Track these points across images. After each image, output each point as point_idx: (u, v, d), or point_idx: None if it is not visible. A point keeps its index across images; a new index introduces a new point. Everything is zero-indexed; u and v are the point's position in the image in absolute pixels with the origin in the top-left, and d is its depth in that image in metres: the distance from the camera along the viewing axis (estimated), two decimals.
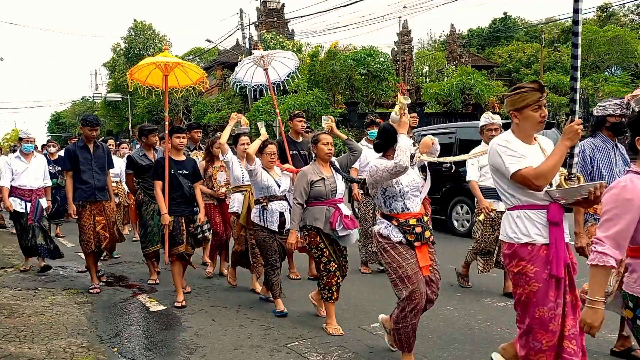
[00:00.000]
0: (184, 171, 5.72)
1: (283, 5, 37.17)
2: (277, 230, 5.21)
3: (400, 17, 32.32)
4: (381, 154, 3.91)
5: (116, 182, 9.43)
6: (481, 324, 4.83)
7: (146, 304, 5.77)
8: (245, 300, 5.75)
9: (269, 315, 5.18)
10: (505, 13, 49.74)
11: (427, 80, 34.17)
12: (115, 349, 4.44)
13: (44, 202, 7.37)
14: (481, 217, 5.70)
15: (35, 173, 7.35)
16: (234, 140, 5.98)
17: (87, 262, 6.44)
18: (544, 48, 34.92)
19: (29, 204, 7.18)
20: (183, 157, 5.86)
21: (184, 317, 5.19)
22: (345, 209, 4.68)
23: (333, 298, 4.67)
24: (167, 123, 5.92)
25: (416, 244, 3.72)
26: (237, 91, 7.80)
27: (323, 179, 4.66)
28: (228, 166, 6.17)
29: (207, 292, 6.18)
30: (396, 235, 3.72)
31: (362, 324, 4.79)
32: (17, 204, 7.16)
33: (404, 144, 3.58)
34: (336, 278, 4.64)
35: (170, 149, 5.76)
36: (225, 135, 5.82)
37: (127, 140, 11.41)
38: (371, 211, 6.61)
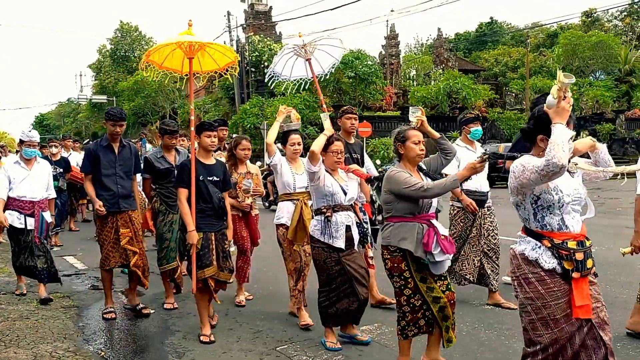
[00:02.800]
0: (214, 177, 4.70)
1: (271, 7, 37.20)
2: (343, 248, 4.27)
3: (387, 21, 32.49)
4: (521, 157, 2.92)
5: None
6: (469, 326, 4.85)
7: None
8: (234, 304, 5.73)
9: (258, 319, 5.16)
10: (491, 17, 50.32)
11: (415, 83, 34.35)
12: (103, 354, 4.40)
13: (48, 217, 6.19)
14: (627, 250, 4.40)
15: (37, 182, 6.07)
16: (282, 139, 5.11)
17: (102, 279, 5.52)
18: (530, 52, 35.26)
19: (30, 219, 5.95)
20: (213, 161, 4.83)
21: (171, 321, 5.16)
22: (441, 227, 3.70)
23: (412, 335, 3.76)
24: (192, 118, 4.99)
25: (574, 275, 2.75)
26: (270, 86, 6.17)
27: None
28: (275, 170, 5.08)
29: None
30: (548, 261, 2.78)
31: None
32: (14, 218, 5.88)
33: (560, 136, 2.63)
34: (422, 311, 3.70)
35: (197, 150, 4.81)
36: (272, 134, 5.00)
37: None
38: (475, 228, 5.50)
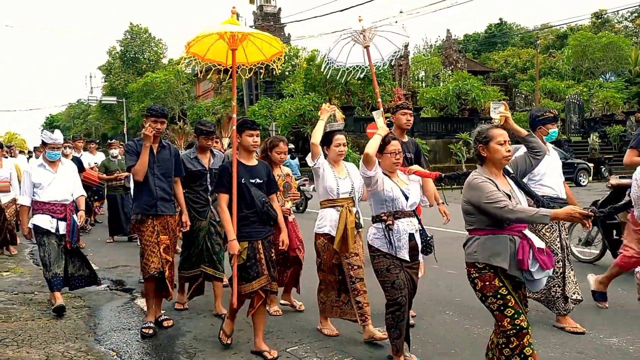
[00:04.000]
0: (257, 180, 4.32)
1: (279, 9, 37.27)
2: (408, 259, 3.93)
3: (396, 22, 32.43)
4: None
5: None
6: (480, 328, 4.82)
7: (144, 308, 5.73)
8: (244, 305, 5.73)
9: (269, 320, 5.15)
10: (500, 19, 50.17)
11: (423, 85, 34.31)
12: (114, 354, 4.42)
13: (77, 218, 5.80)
14: None
15: (65, 184, 5.69)
16: (324, 139, 4.69)
17: (145, 290, 5.12)
18: (540, 54, 35.11)
19: (62, 223, 5.57)
20: (254, 162, 4.44)
21: (182, 322, 5.17)
22: (536, 238, 3.22)
23: None
24: (234, 116, 4.55)
25: None
26: (328, 74, 5.70)
27: (509, 195, 3.23)
28: (317, 174, 4.63)
29: (205, 297, 6.14)
30: None
31: (361, 329, 4.78)
32: (46, 221, 5.50)
33: None
34: (528, 336, 3.15)
35: (238, 151, 4.41)
36: (318, 134, 4.55)
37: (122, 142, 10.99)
38: (558, 240, 4.83)
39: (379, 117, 4.45)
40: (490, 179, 3.22)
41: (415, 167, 4.25)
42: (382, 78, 26.12)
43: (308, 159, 4.59)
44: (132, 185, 5.97)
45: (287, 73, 29.62)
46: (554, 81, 33.10)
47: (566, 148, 25.56)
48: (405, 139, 5.15)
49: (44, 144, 5.78)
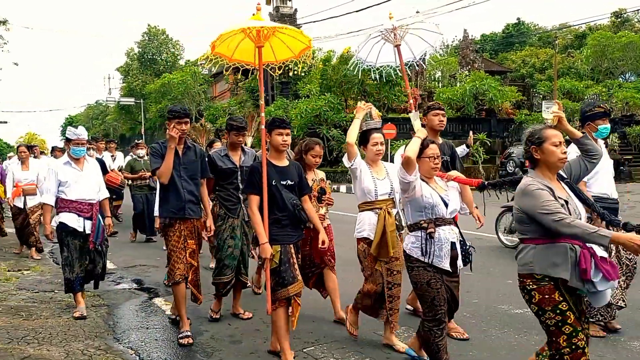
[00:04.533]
0: (288, 182, 4.15)
1: (295, 10, 37.34)
2: (449, 269, 3.70)
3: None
4: None
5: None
6: (498, 330, 4.79)
7: (162, 307, 5.80)
8: (261, 305, 5.75)
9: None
10: (518, 18, 49.73)
11: (440, 85, 34.12)
12: (133, 352, 4.47)
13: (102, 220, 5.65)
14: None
15: (91, 182, 5.57)
16: (360, 139, 4.47)
17: (175, 297, 4.90)
18: (558, 53, 34.75)
19: (88, 222, 5.42)
20: (286, 162, 4.26)
21: (199, 321, 5.20)
22: (598, 248, 2.98)
23: None
24: (262, 114, 4.32)
25: None
26: (358, 75, 5.44)
27: (566, 201, 3.03)
28: (354, 175, 4.42)
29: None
30: None
31: (378, 330, 4.77)
32: (74, 221, 5.36)
33: None
34: (585, 357, 2.95)
35: (268, 151, 4.23)
36: (354, 133, 4.30)
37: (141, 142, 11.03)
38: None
39: (416, 118, 4.26)
40: (546, 185, 2.99)
41: (455, 173, 4.02)
42: (399, 78, 26.04)
43: (344, 160, 4.38)
44: (158, 187, 5.87)
45: (302, 74, 29.66)
46: (572, 81, 32.68)
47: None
48: (440, 141, 4.96)
49: (68, 140, 5.67)
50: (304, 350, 4.37)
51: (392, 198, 4.39)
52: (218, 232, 5.14)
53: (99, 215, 5.52)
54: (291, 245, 4.07)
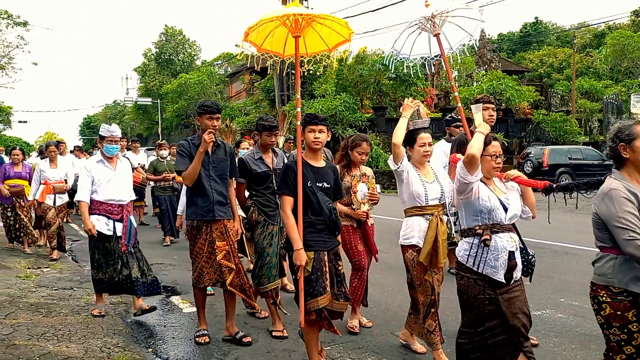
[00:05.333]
0: (324, 184, 3.81)
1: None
2: (504, 281, 3.31)
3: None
4: None
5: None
6: None
7: (179, 305, 5.84)
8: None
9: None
10: (536, 17, 49.25)
11: (457, 84, 33.93)
12: (150, 350, 4.51)
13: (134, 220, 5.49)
14: None
15: (123, 182, 5.41)
16: (406, 138, 4.07)
17: (195, 299, 4.80)
18: (576, 53, 34.34)
19: (118, 225, 5.26)
20: (322, 163, 3.91)
21: (216, 320, 5.22)
22: None
23: None
24: (298, 110, 4.00)
25: None
26: (392, 69, 5.10)
27: None
28: (400, 178, 4.05)
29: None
30: None
31: (395, 331, 4.75)
32: (102, 224, 5.20)
33: None
34: None
35: (304, 150, 3.89)
36: (401, 132, 3.92)
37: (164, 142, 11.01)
38: None
39: (478, 111, 3.81)
40: (631, 192, 2.71)
41: (515, 172, 3.61)
42: (415, 78, 25.94)
43: (390, 162, 4.03)
44: (184, 188, 5.70)
45: (318, 74, 29.67)
46: (591, 81, 32.31)
47: (604, 149, 24.95)
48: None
49: (101, 137, 5.43)
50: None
51: (443, 203, 4.05)
52: (257, 239, 4.88)
53: (130, 217, 5.35)
54: (325, 253, 3.72)
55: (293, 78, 30.00)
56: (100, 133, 5.46)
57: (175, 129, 45.61)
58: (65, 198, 8.66)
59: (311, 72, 29.66)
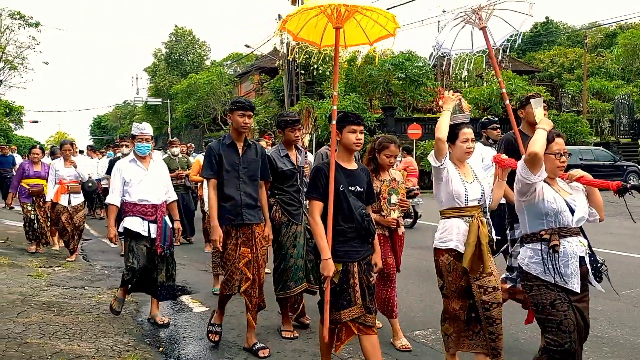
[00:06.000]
0: (357, 188, 3.56)
1: None
2: (578, 291, 3.13)
3: (439, 22, 32.03)
4: None
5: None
6: (528, 334, 4.73)
7: (189, 305, 5.87)
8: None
9: (312, 320, 5.18)
10: (547, 17, 48.88)
11: (466, 85, 33.80)
12: (161, 349, 4.53)
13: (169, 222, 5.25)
14: None
15: (157, 182, 5.18)
16: (450, 135, 3.72)
17: (219, 300, 4.58)
18: (587, 53, 34.10)
19: (153, 226, 5.07)
20: (355, 165, 3.66)
21: (226, 319, 5.22)
22: None
23: None
24: (334, 108, 3.75)
25: None
26: (432, 61, 4.89)
27: None
28: (439, 176, 3.73)
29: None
30: None
31: (406, 332, 4.74)
32: (137, 225, 5.02)
33: None
34: None
35: (337, 150, 3.63)
36: (444, 127, 3.62)
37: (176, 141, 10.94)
38: None
39: (538, 106, 3.55)
40: None
41: (579, 172, 3.35)
42: (424, 78, 25.89)
43: (430, 158, 3.72)
44: (205, 188, 5.51)
45: (327, 74, 29.69)
46: (602, 81, 32.09)
47: (615, 150, 24.75)
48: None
49: (133, 136, 5.27)
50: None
51: (482, 205, 3.76)
52: (280, 240, 4.71)
53: (165, 217, 5.15)
54: (355, 264, 3.46)
55: (303, 78, 30.04)
56: (132, 132, 5.30)
57: (184, 129, 45.77)
58: (80, 198, 8.55)
59: (320, 72, 29.83)
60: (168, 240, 5.12)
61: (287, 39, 30.86)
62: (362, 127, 3.57)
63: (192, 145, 13.98)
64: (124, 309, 5.65)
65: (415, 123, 22.42)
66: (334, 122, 3.62)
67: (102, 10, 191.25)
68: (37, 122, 54.15)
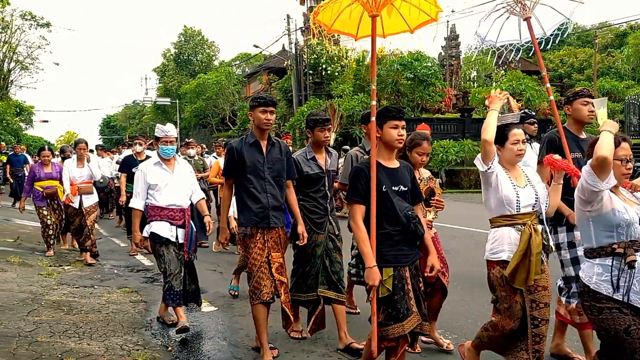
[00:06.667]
0: (401, 187, 3.31)
1: None
2: None
3: (448, 22, 31.98)
4: None
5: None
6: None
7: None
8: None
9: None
10: None
11: (475, 85, 33.69)
12: (170, 348, 4.54)
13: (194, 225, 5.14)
14: None
15: (183, 186, 4.98)
16: (499, 136, 3.49)
17: (255, 320, 4.13)
18: (597, 53, 33.90)
19: (180, 231, 4.89)
20: (396, 163, 3.42)
21: (234, 319, 5.25)
22: None
23: None
24: (373, 103, 3.53)
25: None
26: (472, 56, 4.62)
27: None
28: (488, 181, 3.47)
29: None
30: None
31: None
32: (166, 230, 4.82)
33: None
34: None
35: (378, 148, 3.37)
36: (491, 128, 3.36)
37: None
38: None
39: (602, 106, 3.38)
40: None
41: None
42: (433, 78, 25.83)
43: (477, 162, 3.46)
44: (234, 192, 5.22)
45: (336, 74, 29.69)
46: (612, 81, 31.87)
47: None
48: (584, 135, 4.09)
49: (157, 139, 5.08)
50: (338, 350, 4.36)
51: (537, 211, 3.46)
52: (299, 248, 4.45)
53: (191, 222, 5.03)
54: (406, 268, 3.23)
55: (311, 78, 30.07)
56: (156, 134, 5.11)
57: (193, 128, 45.95)
58: (93, 199, 8.25)
59: (329, 72, 29.81)
60: (193, 245, 5.00)
61: (297, 39, 30.93)
62: (404, 122, 3.32)
63: (204, 146, 13.90)
64: (133, 307, 5.70)
65: (423, 123, 22.23)
66: (373, 118, 3.38)
67: (112, 11, 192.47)
68: (47, 121, 54.59)
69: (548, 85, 4.28)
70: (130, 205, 5.01)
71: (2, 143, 22.42)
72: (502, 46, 4.64)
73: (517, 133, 3.47)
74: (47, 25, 34.47)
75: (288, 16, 31.35)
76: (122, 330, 4.93)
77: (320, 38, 31.79)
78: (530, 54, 4.65)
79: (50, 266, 7.71)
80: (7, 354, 4.01)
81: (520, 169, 3.56)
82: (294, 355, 4.32)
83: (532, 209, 3.42)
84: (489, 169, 3.40)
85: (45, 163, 8.69)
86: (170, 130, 5.03)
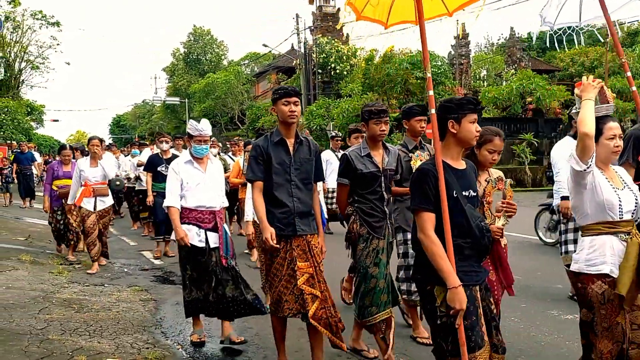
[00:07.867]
0: (471, 192, 2.85)
1: (339, 9, 37.34)
2: None
3: (457, 20, 31.81)
4: None
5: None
6: (548, 336, 4.66)
7: None
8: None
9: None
10: None
11: (485, 84, 33.56)
12: (180, 347, 4.55)
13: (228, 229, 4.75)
14: None
15: (215, 186, 4.67)
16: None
17: (273, 330, 3.94)
18: (609, 52, 33.63)
19: (211, 234, 4.52)
20: (463, 164, 2.93)
21: (244, 318, 5.24)
22: None
23: None
24: (430, 93, 3.06)
25: None
26: (533, 40, 4.45)
27: None
28: (582, 182, 3.02)
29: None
30: None
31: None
32: (194, 235, 4.47)
33: None
34: None
35: (447, 146, 2.88)
36: (590, 120, 2.91)
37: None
38: None
39: None
40: None
41: None
42: (442, 77, 25.72)
43: (572, 161, 2.99)
44: (249, 188, 4.90)
45: (345, 73, 29.67)
46: (623, 80, 31.62)
47: None
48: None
49: (190, 136, 4.69)
50: (349, 350, 4.34)
51: (636, 218, 3.06)
52: (359, 257, 4.01)
53: (224, 225, 4.67)
54: (477, 288, 2.77)
55: (320, 77, 30.07)
56: (188, 132, 4.73)
57: None
58: (108, 202, 7.78)
59: (338, 71, 29.79)
60: (231, 250, 4.56)
61: (306, 38, 30.92)
62: (476, 115, 2.84)
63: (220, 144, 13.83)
64: (143, 306, 5.72)
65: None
66: (432, 111, 2.98)
67: (121, 11, 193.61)
68: (57, 121, 54.93)
69: (628, 74, 3.77)
70: (166, 204, 4.58)
71: (13, 142, 22.57)
72: (559, 29, 4.31)
73: (614, 127, 3.07)
74: (57, 24, 34.64)
75: (297, 15, 31.40)
76: (132, 328, 4.94)
77: (330, 37, 31.77)
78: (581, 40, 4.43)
79: (60, 264, 7.76)
80: (19, 351, 4.04)
81: (613, 169, 3.17)
82: (303, 355, 4.30)
83: (632, 216, 3.03)
84: (587, 167, 2.94)
85: (65, 162, 8.53)
86: (205, 128, 4.66)
